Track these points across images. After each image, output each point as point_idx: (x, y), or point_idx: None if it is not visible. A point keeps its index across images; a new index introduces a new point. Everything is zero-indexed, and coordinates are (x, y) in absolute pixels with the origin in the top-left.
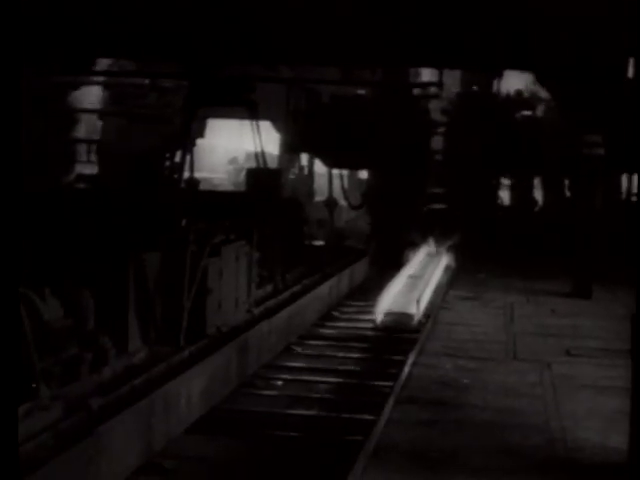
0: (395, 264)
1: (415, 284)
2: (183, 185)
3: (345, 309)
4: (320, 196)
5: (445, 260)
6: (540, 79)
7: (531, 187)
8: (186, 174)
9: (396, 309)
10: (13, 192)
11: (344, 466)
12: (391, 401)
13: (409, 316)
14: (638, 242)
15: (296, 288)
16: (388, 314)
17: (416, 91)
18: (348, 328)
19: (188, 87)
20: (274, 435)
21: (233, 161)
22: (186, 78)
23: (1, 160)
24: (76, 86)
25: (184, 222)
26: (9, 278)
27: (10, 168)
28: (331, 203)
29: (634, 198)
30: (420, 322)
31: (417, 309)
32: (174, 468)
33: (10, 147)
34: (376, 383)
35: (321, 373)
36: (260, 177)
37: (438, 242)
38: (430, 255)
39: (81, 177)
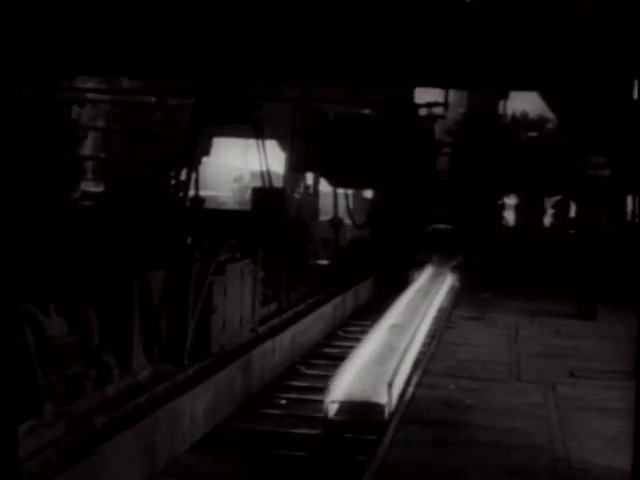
0: (399, 284)
1: (394, 346)
2: (188, 203)
3: (350, 328)
4: (325, 215)
5: (449, 281)
6: (546, 100)
7: (541, 208)
8: (191, 192)
9: (357, 395)
10: (15, 207)
11: None
12: (395, 421)
13: (376, 407)
14: (638, 264)
15: (300, 307)
16: (345, 404)
17: (421, 111)
18: (353, 348)
19: (194, 105)
20: (278, 454)
21: (238, 180)
22: (192, 96)
23: (3, 176)
24: (82, 103)
25: (189, 240)
26: (11, 294)
27: (12, 183)
28: (336, 222)
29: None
30: (392, 414)
31: (389, 395)
32: None
33: (12, 162)
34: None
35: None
36: (265, 196)
37: (442, 262)
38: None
39: (87, 194)
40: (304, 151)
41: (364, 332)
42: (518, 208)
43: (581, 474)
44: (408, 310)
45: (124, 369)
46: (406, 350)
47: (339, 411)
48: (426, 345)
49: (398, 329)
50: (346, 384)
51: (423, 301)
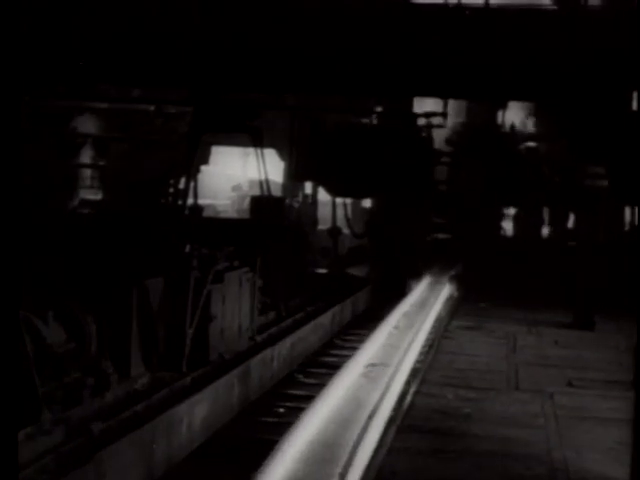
0: (398, 293)
1: (363, 400)
2: (187, 211)
3: (348, 337)
4: (324, 224)
5: (447, 290)
6: (545, 110)
7: (539, 219)
8: (190, 200)
9: None
10: (14, 214)
11: None
12: (393, 430)
13: None
14: (639, 274)
15: (299, 316)
16: None
17: (420, 121)
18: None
19: (193, 113)
20: None
21: (237, 188)
22: (191, 105)
23: (2, 183)
24: (82, 111)
25: (187, 248)
26: (10, 301)
27: (11, 191)
28: (335, 231)
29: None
30: None
31: None
32: None
33: (10, 169)
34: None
35: None
36: (264, 205)
37: (441, 271)
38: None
39: (85, 202)
40: (303, 160)
41: (361, 341)
42: (516, 218)
43: None
44: (393, 337)
45: (122, 377)
46: (374, 412)
47: None
48: (424, 354)
49: (374, 372)
50: (286, 468)
51: (414, 322)
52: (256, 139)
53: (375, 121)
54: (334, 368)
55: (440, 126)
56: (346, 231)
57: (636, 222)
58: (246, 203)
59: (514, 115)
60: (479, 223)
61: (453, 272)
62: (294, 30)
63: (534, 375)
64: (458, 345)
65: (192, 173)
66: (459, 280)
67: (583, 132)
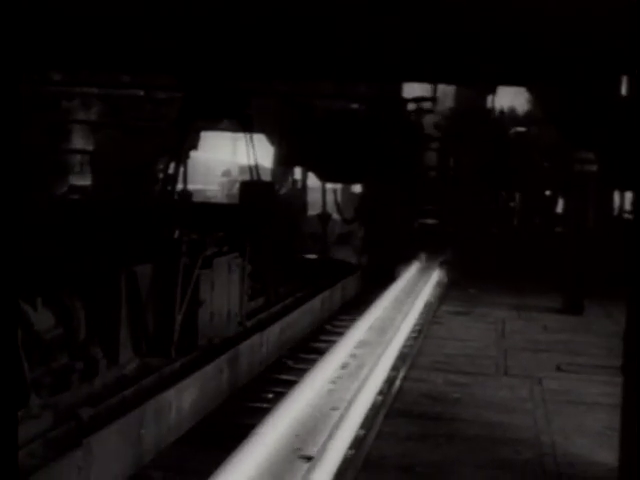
0: (387, 278)
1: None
2: (176, 197)
3: (337, 322)
4: (313, 210)
5: (436, 276)
6: (534, 95)
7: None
8: (179, 186)
9: None
10: (11, 202)
11: None
12: (381, 415)
13: None
14: (633, 259)
15: (288, 301)
16: None
17: (410, 106)
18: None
19: (183, 99)
20: None
21: (226, 173)
22: (181, 90)
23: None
24: (71, 97)
25: (177, 234)
26: (7, 288)
27: (7, 178)
28: (324, 217)
29: (626, 215)
30: None
31: None
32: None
33: (7, 158)
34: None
35: None
36: (253, 190)
37: (430, 257)
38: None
39: (74, 188)
40: (292, 145)
41: (350, 327)
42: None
43: (568, 468)
44: (356, 362)
45: (111, 362)
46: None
47: None
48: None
49: (311, 424)
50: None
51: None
52: (246, 125)
53: (364, 106)
54: (323, 353)
55: (429, 111)
56: (336, 216)
57: (625, 207)
58: (235, 188)
59: (504, 100)
60: (469, 208)
61: (442, 258)
62: (284, 14)
63: (523, 360)
64: (447, 330)
65: (181, 158)
66: (448, 265)
67: (573, 117)
